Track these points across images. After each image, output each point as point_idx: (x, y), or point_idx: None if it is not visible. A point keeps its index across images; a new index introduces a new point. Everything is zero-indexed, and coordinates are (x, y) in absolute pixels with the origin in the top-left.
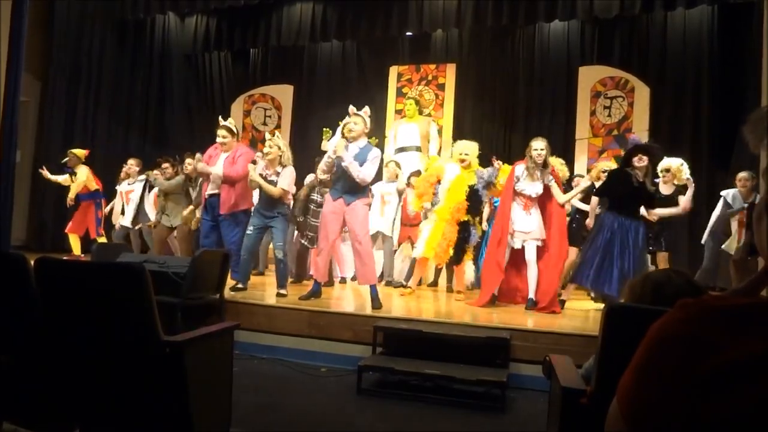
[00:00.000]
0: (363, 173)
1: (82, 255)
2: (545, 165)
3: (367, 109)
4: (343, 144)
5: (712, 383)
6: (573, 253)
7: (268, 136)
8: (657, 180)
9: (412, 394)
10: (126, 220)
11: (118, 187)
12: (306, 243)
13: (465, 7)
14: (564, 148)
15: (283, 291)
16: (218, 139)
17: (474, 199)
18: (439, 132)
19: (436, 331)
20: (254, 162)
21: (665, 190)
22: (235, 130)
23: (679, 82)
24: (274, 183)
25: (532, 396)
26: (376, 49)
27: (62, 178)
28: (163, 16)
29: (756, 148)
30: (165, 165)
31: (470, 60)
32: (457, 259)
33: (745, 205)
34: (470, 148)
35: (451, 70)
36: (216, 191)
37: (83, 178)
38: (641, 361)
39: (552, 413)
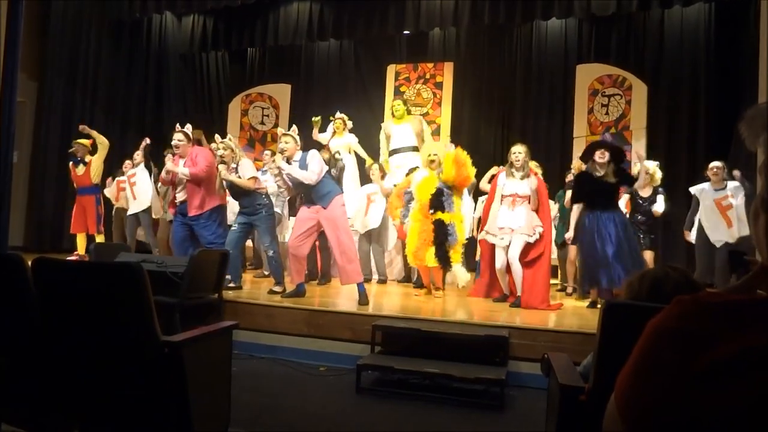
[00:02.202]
0: (306, 174)
1: (87, 254)
2: (524, 168)
3: (294, 128)
4: (280, 158)
5: (709, 379)
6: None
7: (218, 138)
8: (624, 166)
9: (411, 393)
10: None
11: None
12: None
13: (462, 6)
14: (562, 146)
15: (276, 288)
16: (173, 142)
17: (438, 197)
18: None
19: (435, 329)
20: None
21: (644, 192)
22: (191, 136)
23: (676, 80)
24: None
25: (530, 394)
26: (374, 48)
27: (78, 169)
28: (159, 16)
29: (752, 144)
30: (137, 153)
31: (468, 58)
32: (444, 264)
33: (721, 193)
34: (437, 148)
35: (448, 68)
36: (184, 197)
37: (100, 161)
38: (638, 358)
39: (550, 411)
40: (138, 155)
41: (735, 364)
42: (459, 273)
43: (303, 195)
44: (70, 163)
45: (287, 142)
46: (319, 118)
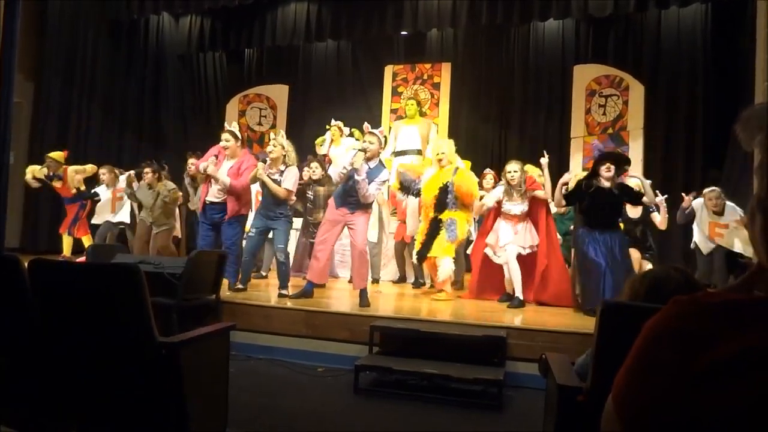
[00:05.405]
0: (369, 193)
1: (72, 255)
2: (521, 185)
3: (382, 128)
4: (362, 157)
5: (707, 379)
6: None
7: (272, 135)
8: (631, 185)
9: (409, 393)
10: (120, 217)
11: (104, 191)
12: (311, 240)
13: (460, 6)
14: (559, 146)
15: (284, 291)
16: (221, 143)
17: (443, 196)
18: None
19: (433, 330)
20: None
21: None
22: (238, 135)
23: (673, 80)
24: (277, 183)
25: (528, 394)
26: (372, 49)
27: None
28: (156, 17)
29: (748, 145)
30: (146, 170)
31: (465, 59)
32: (420, 255)
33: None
34: (445, 146)
35: (446, 69)
36: (215, 199)
37: (75, 173)
38: (636, 359)
39: (548, 411)
40: (121, 177)
41: (735, 364)
42: (444, 265)
43: (342, 192)
44: (52, 179)
45: (372, 142)
46: (323, 137)
